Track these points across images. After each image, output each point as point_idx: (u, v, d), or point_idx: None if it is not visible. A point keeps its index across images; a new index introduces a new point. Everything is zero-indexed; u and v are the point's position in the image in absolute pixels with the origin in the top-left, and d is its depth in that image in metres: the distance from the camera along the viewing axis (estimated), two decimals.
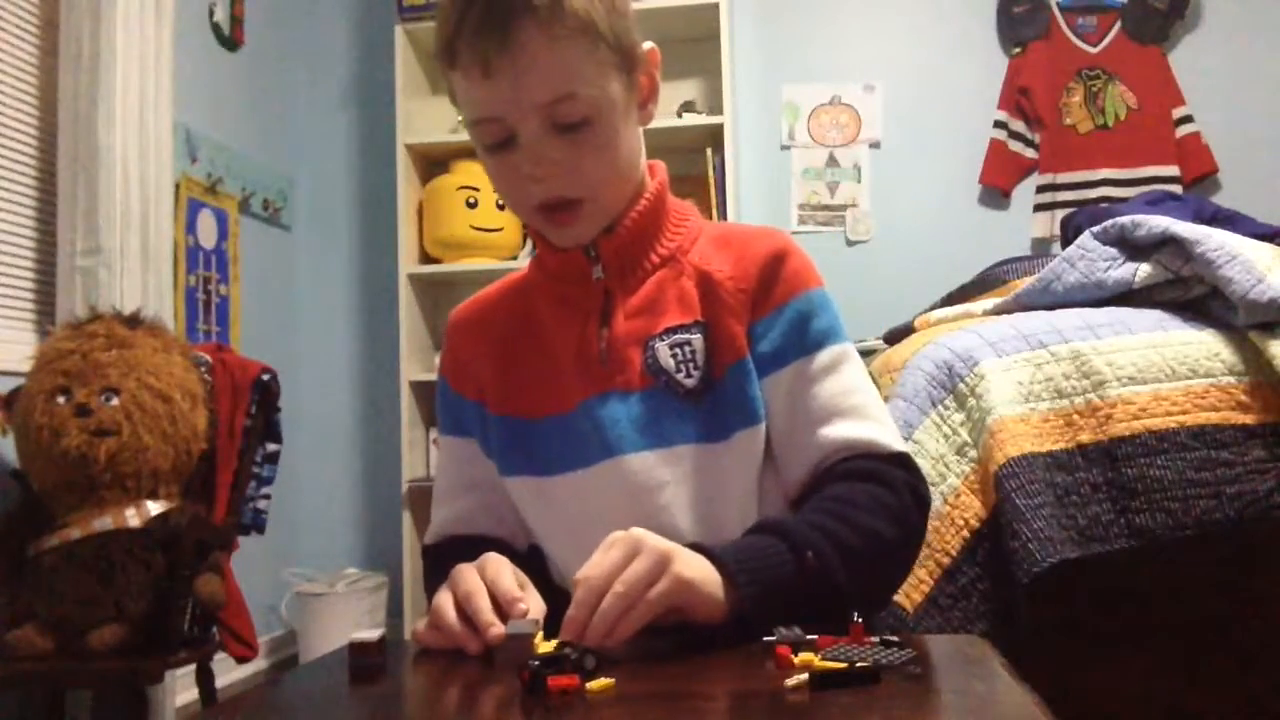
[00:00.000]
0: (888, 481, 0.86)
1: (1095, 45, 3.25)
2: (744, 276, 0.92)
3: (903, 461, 0.89)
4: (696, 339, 0.90)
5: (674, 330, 0.91)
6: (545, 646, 0.69)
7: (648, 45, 0.91)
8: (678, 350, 0.90)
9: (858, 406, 0.90)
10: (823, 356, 0.90)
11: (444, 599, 0.76)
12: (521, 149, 0.85)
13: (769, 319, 0.91)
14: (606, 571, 0.70)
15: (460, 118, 0.93)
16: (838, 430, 0.88)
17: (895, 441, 0.90)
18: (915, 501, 0.87)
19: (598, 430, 0.90)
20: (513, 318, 0.98)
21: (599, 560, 0.72)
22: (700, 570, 0.73)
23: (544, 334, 0.96)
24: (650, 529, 0.84)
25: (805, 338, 0.91)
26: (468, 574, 0.77)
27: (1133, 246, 1.70)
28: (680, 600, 0.71)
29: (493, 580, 0.76)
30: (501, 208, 3.16)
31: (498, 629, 0.71)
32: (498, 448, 0.96)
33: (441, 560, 0.92)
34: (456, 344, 1.02)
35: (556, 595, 0.95)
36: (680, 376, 0.90)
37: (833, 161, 3.37)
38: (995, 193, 3.29)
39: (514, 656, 0.67)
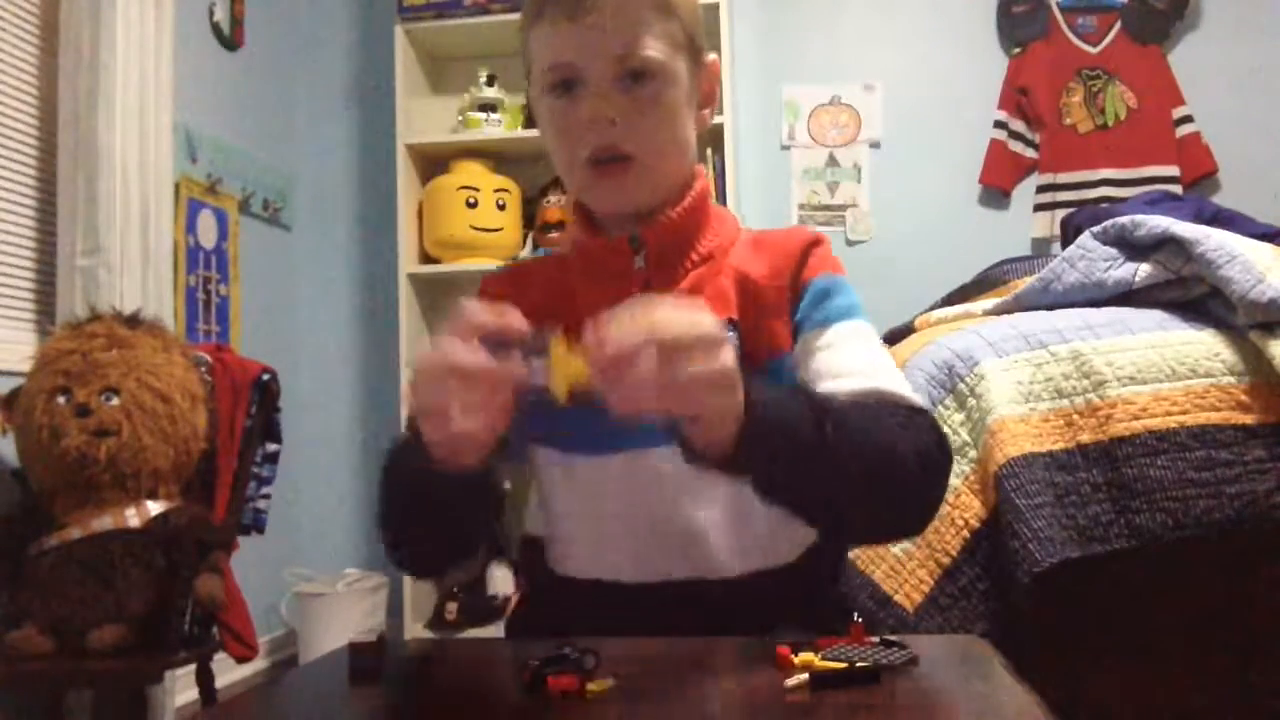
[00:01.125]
0: (911, 414, 0.84)
1: (1095, 45, 3.25)
2: (779, 273, 0.94)
3: (925, 413, 0.86)
4: (730, 335, 0.90)
5: None
6: (562, 356, 0.65)
7: (711, 56, 0.97)
8: None
9: (880, 368, 0.89)
10: (839, 328, 0.91)
11: (425, 363, 0.69)
12: (586, 95, 0.89)
13: (800, 299, 0.93)
14: (668, 331, 0.64)
15: (531, 82, 0.96)
16: (855, 383, 0.86)
17: (919, 400, 0.88)
18: (938, 443, 0.83)
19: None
20: (549, 292, 0.98)
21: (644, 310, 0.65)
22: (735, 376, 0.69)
23: (579, 315, 0.94)
24: (675, 521, 0.85)
25: (825, 310, 0.92)
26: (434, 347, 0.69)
27: (1133, 246, 1.70)
28: (711, 401, 0.67)
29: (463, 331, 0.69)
30: (502, 207, 3.16)
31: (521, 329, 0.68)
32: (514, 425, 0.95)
33: (392, 456, 0.88)
34: (490, 300, 1.00)
35: (558, 584, 0.96)
36: None
37: (833, 161, 3.37)
38: (995, 193, 3.29)
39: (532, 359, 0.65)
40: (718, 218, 0.99)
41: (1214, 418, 1.45)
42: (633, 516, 0.91)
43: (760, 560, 0.90)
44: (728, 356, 0.66)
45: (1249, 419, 1.46)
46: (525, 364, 0.67)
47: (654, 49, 0.89)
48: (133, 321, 1.89)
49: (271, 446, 2.16)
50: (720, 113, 3.08)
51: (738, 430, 0.69)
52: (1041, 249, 3.19)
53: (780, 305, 0.93)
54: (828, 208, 3.35)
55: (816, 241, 0.96)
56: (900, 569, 1.44)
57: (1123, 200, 2.86)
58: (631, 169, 0.90)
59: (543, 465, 0.96)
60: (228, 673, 2.65)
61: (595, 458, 0.92)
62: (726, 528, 0.89)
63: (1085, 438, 1.46)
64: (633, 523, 0.91)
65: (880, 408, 0.82)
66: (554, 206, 3.16)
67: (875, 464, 0.77)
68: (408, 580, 3.08)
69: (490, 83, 3.27)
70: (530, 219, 3.26)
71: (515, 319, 0.69)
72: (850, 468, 0.75)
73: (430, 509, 0.83)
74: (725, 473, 0.72)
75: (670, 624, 0.79)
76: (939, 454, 0.83)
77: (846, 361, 0.89)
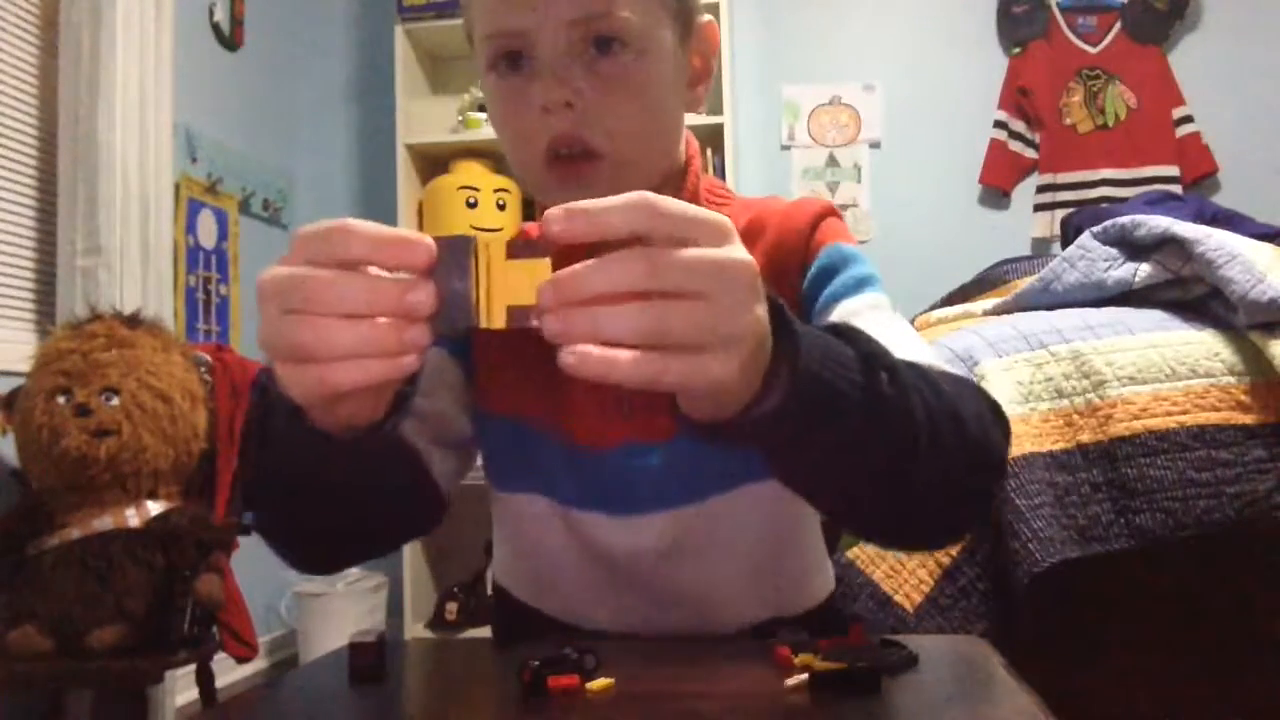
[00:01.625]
0: (957, 380, 0.64)
1: (1095, 45, 3.25)
2: (785, 249, 0.78)
3: (970, 381, 0.67)
4: None
5: None
6: (498, 266, 0.45)
7: (705, 18, 0.78)
8: None
9: (905, 341, 0.69)
10: (855, 301, 0.73)
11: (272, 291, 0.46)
12: (539, 72, 0.69)
13: (805, 276, 0.77)
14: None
15: (475, 53, 0.75)
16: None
17: (960, 371, 0.73)
18: (993, 413, 0.64)
19: (628, 481, 0.78)
20: None
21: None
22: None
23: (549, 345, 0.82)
24: (680, 584, 0.77)
25: (835, 285, 0.75)
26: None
27: (1133, 246, 1.70)
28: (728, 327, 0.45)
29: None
30: (502, 207, 3.16)
31: (425, 241, 0.45)
32: (497, 453, 0.85)
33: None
34: None
35: (534, 616, 0.85)
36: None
37: (833, 161, 3.37)
38: (995, 193, 3.29)
39: (451, 275, 0.45)
40: (711, 200, 0.83)
41: (1214, 418, 1.45)
42: (631, 576, 0.80)
43: (771, 612, 0.82)
44: (745, 253, 0.46)
45: (1249, 419, 1.46)
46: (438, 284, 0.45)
47: (626, 7, 0.69)
48: (133, 321, 1.89)
49: None
50: (720, 113, 3.09)
51: (769, 381, 0.49)
52: (1041, 249, 3.19)
53: (784, 286, 0.77)
54: None
55: (824, 213, 0.79)
56: (900, 569, 1.44)
57: (1123, 200, 2.87)
58: (602, 168, 0.71)
59: (527, 514, 0.84)
60: (228, 673, 2.65)
61: (591, 514, 0.80)
62: (741, 587, 0.80)
63: (1085, 438, 1.46)
64: (632, 581, 0.81)
65: (925, 368, 0.62)
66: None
67: (941, 425, 0.57)
68: (408, 580, 3.08)
69: None
70: (530, 219, 3.25)
71: (418, 241, 0.45)
72: (912, 431, 0.55)
73: (312, 485, 0.62)
74: (743, 445, 0.53)
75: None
76: (994, 425, 0.63)
77: (881, 338, 0.66)
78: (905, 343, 0.68)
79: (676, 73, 0.75)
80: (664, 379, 0.43)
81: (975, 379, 1.51)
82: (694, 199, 0.80)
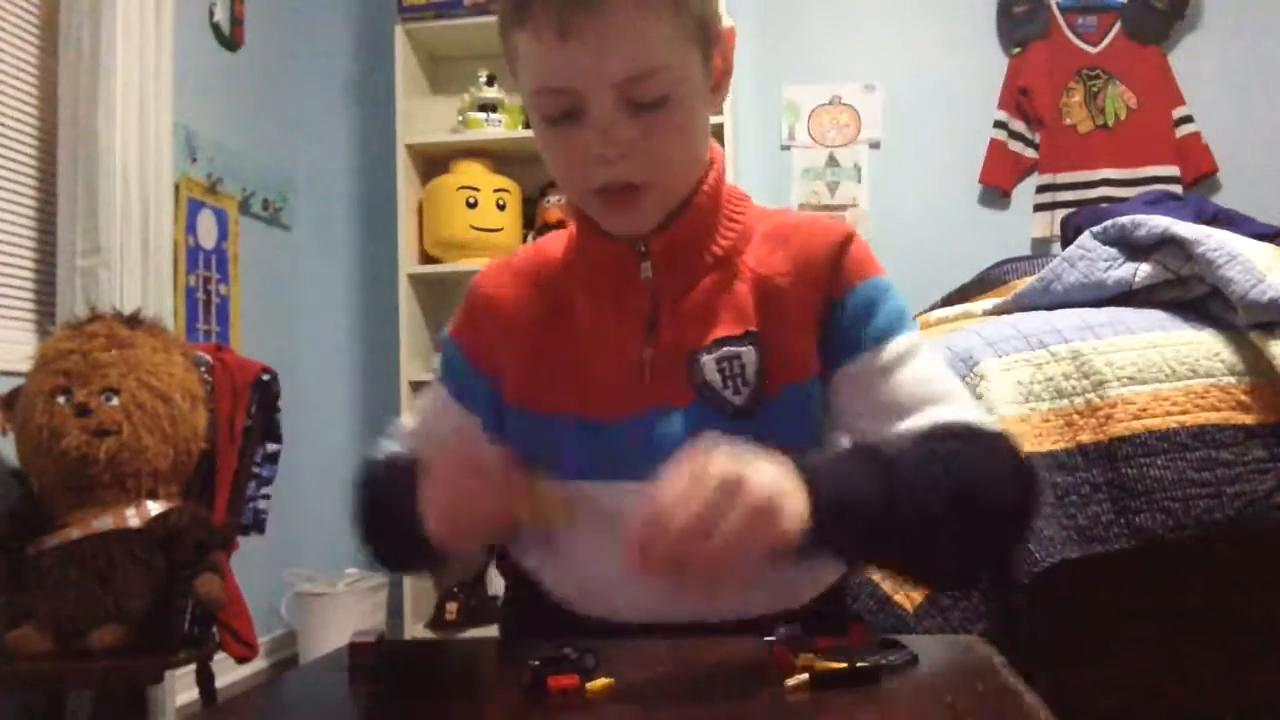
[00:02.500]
0: (991, 438, 0.77)
1: (1095, 45, 3.25)
2: (806, 279, 0.83)
3: (1002, 435, 0.79)
4: (747, 351, 0.82)
5: (723, 342, 0.83)
6: (541, 496, 0.74)
7: (727, 24, 0.85)
8: (725, 365, 0.82)
9: (945, 393, 0.81)
10: (894, 346, 0.82)
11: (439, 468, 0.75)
12: (590, 126, 0.76)
13: (835, 312, 0.83)
14: (695, 519, 0.61)
15: (519, 89, 0.82)
16: (928, 418, 0.78)
17: (994, 424, 0.80)
18: (1014, 471, 0.76)
19: (645, 446, 0.82)
20: (545, 304, 0.89)
21: (693, 496, 0.61)
22: (792, 505, 0.65)
23: (580, 330, 0.87)
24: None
25: (872, 327, 0.82)
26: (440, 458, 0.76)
27: (1133, 246, 1.70)
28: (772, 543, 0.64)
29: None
30: (502, 207, 3.16)
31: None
32: (516, 440, 0.88)
33: (376, 471, 0.91)
34: (479, 318, 0.92)
35: (552, 616, 0.88)
36: (727, 394, 0.82)
37: (833, 161, 3.37)
38: (995, 193, 3.29)
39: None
40: (733, 207, 0.87)
41: (1214, 418, 1.45)
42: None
43: (774, 604, 0.83)
44: (783, 518, 0.63)
45: (1249, 419, 1.46)
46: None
47: (665, 63, 0.75)
48: (133, 321, 1.89)
49: (271, 446, 2.16)
50: (720, 113, 3.09)
51: (804, 530, 0.65)
52: (1041, 249, 3.19)
53: (806, 320, 0.82)
54: (828, 208, 3.35)
55: (848, 239, 0.84)
56: None
57: (1123, 200, 2.87)
58: (645, 197, 0.80)
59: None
60: (228, 673, 2.65)
61: (601, 483, 0.84)
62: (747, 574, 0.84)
63: (1085, 438, 1.46)
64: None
65: (954, 445, 0.75)
66: (554, 207, 3.16)
67: (956, 510, 0.71)
68: (408, 580, 3.08)
69: (490, 83, 3.27)
70: (530, 219, 3.26)
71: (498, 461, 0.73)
72: (931, 518, 0.70)
73: (413, 544, 0.80)
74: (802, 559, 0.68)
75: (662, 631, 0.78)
76: (1023, 477, 0.77)
77: (914, 390, 0.80)
78: (943, 392, 0.81)
79: (704, 89, 0.81)
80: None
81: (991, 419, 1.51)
82: (714, 203, 0.86)
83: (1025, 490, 0.77)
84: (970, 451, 0.75)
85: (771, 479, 0.64)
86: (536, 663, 0.61)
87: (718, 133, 3.07)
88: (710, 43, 0.81)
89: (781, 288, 0.83)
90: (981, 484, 0.73)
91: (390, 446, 0.94)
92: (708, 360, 0.82)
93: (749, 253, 0.86)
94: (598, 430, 0.84)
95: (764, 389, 0.82)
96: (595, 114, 0.76)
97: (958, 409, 0.80)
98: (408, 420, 0.96)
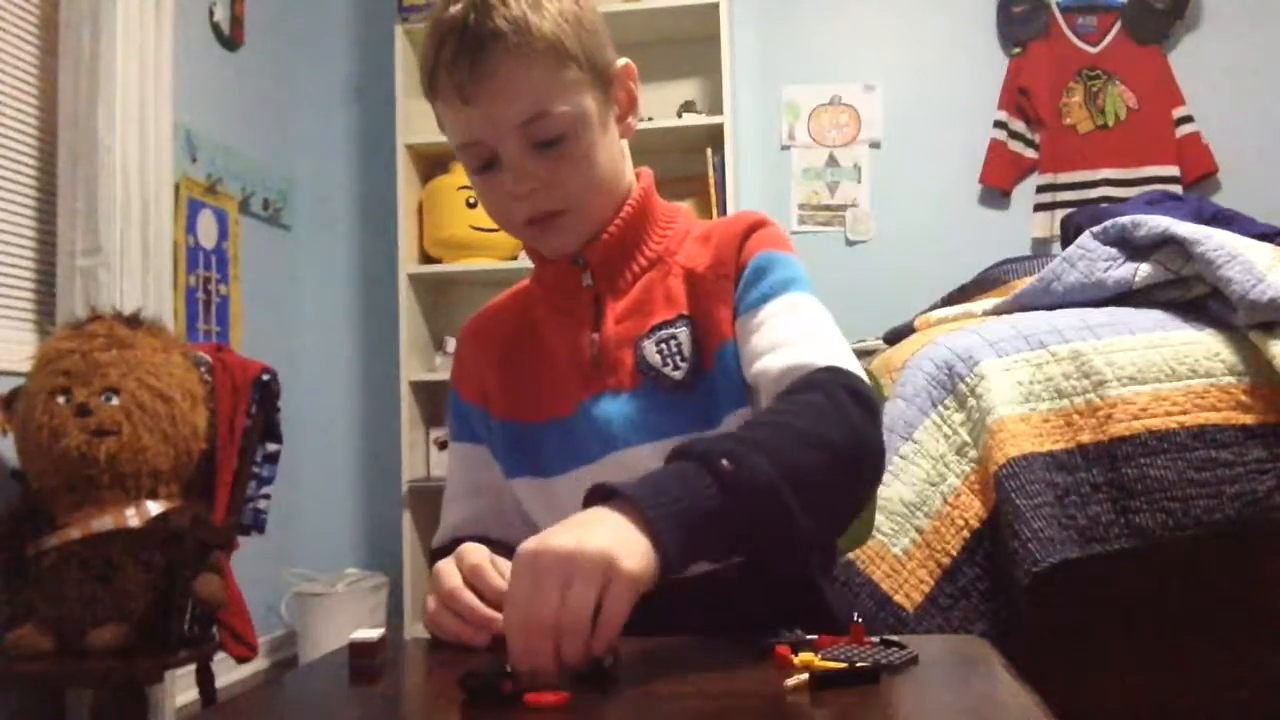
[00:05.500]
0: (814, 386, 0.80)
1: (1095, 45, 3.25)
2: (722, 261, 0.94)
3: (831, 369, 0.82)
4: (682, 331, 0.93)
5: (661, 327, 0.93)
6: None
7: (622, 62, 0.95)
8: (664, 345, 0.93)
9: (792, 337, 0.87)
10: (775, 304, 0.90)
11: (431, 601, 0.78)
12: (504, 169, 0.89)
13: (737, 282, 0.93)
14: (543, 614, 0.61)
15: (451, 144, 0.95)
16: (772, 361, 0.85)
17: (827, 358, 0.84)
18: (852, 399, 0.78)
19: (594, 429, 0.92)
20: (517, 328, 1.02)
21: (533, 597, 0.62)
22: (634, 547, 0.64)
23: (543, 342, 0.99)
24: None
25: (758, 289, 0.91)
26: (447, 571, 0.78)
27: (1133, 246, 1.70)
28: (640, 590, 0.63)
29: (471, 570, 0.77)
30: None
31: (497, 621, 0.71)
32: (502, 452, 0.99)
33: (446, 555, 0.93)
34: (465, 354, 1.06)
35: None
36: (667, 370, 0.92)
37: (833, 161, 3.37)
38: (995, 193, 3.29)
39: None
40: (665, 217, 0.99)
41: (1214, 418, 1.45)
42: None
43: (739, 615, 0.82)
44: (622, 569, 0.62)
45: (1249, 419, 1.46)
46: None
47: (558, 104, 0.87)
48: (133, 321, 1.89)
49: (271, 446, 2.16)
50: (720, 113, 3.09)
51: (657, 553, 0.65)
52: (1041, 249, 3.19)
53: (723, 292, 0.93)
54: (828, 208, 3.35)
55: (756, 225, 0.96)
56: (900, 569, 1.44)
57: (1123, 200, 2.87)
58: (564, 221, 0.92)
59: (524, 495, 0.98)
60: (228, 673, 2.65)
61: (567, 473, 0.93)
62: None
63: (1085, 438, 1.46)
64: None
65: (776, 403, 0.80)
66: None
67: (792, 459, 0.72)
68: (408, 580, 3.08)
69: None
70: None
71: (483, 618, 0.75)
72: (765, 478, 0.69)
73: None
74: (696, 560, 0.68)
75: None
76: (856, 411, 0.78)
77: (769, 337, 0.88)
78: (801, 337, 0.86)
79: (604, 124, 0.92)
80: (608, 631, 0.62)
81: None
82: (642, 215, 0.97)
83: (871, 418, 0.79)
84: (783, 409, 0.78)
85: (592, 535, 0.63)
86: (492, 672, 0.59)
87: (717, 133, 3.07)
88: (606, 83, 0.92)
89: (704, 275, 0.94)
90: (825, 431, 0.75)
91: (448, 523, 1.02)
92: (648, 344, 0.93)
93: (681, 252, 0.97)
94: (561, 425, 0.95)
95: (701, 363, 0.92)
96: (506, 159, 0.88)
97: (796, 351, 0.85)
98: (450, 488, 1.04)
